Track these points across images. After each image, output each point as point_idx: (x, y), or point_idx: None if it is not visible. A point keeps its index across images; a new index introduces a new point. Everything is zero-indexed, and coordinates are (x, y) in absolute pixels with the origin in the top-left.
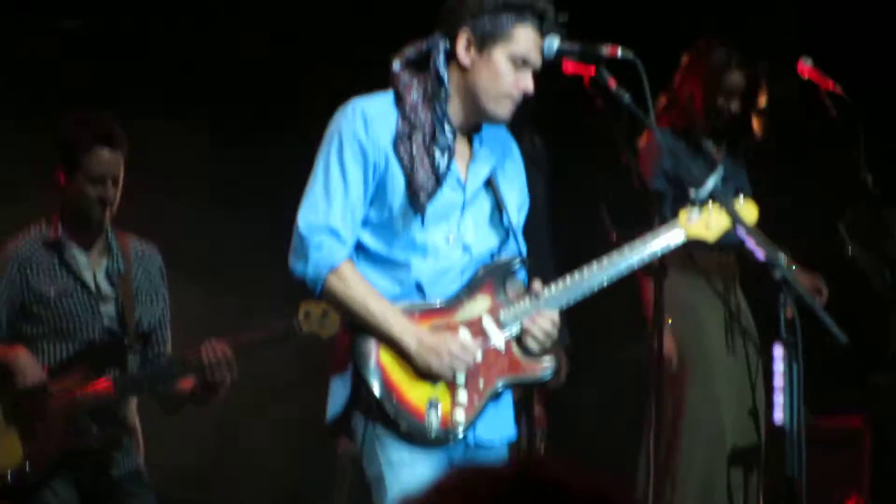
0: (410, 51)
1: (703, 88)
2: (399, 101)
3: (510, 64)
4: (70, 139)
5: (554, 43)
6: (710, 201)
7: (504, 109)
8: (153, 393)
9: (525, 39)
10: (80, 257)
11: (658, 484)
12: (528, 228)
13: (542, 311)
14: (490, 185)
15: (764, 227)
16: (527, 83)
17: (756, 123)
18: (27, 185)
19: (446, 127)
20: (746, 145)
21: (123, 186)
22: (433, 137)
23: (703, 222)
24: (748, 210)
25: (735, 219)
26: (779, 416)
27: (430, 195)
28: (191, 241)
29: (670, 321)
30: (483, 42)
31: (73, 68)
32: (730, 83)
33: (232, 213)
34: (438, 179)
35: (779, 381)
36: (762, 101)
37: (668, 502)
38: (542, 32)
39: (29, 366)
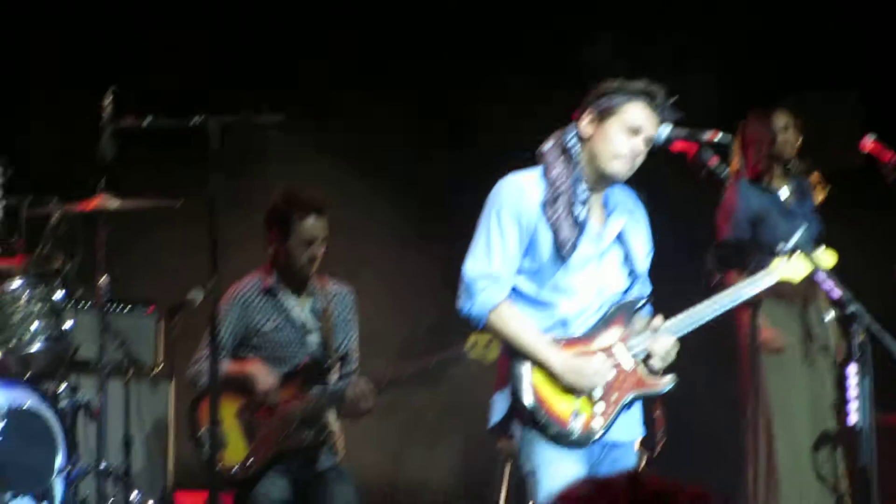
0: (554, 135)
1: (760, 139)
2: (546, 172)
3: (622, 132)
4: (285, 209)
5: (665, 130)
6: (796, 251)
7: (618, 168)
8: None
9: (634, 112)
10: (289, 300)
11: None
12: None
13: (661, 338)
14: (621, 238)
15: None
16: (636, 146)
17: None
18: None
19: (581, 187)
20: (804, 185)
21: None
22: (572, 199)
23: (791, 268)
24: (827, 258)
25: (817, 266)
26: (853, 418)
27: (574, 246)
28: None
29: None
30: (601, 117)
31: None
32: (778, 123)
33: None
34: (580, 230)
35: (853, 392)
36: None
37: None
38: (654, 108)
39: (265, 373)
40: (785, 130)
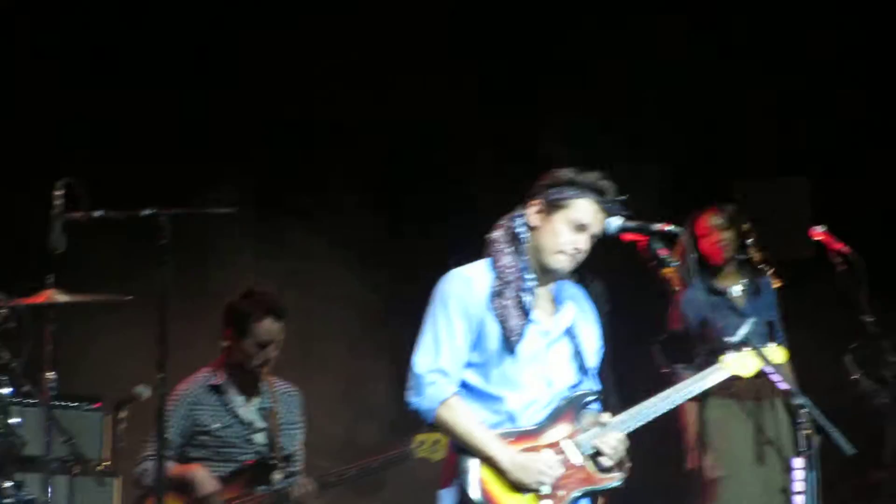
0: (503, 221)
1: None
2: (494, 262)
3: (567, 227)
4: (243, 310)
5: (616, 221)
6: (745, 346)
7: (560, 264)
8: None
9: (583, 209)
10: (237, 399)
11: None
12: None
13: (610, 434)
14: (569, 332)
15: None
16: (579, 244)
17: (756, 256)
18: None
19: (528, 276)
20: (759, 283)
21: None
22: (520, 287)
23: (741, 363)
24: (776, 353)
25: (766, 361)
26: None
27: (520, 335)
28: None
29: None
30: (549, 209)
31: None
32: (704, 225)
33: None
34: (526, 321)
35: (799, 486)
36: (746, 233)
37: None
38: (602, 205)
39: (207, 478)
40: (709, 233)
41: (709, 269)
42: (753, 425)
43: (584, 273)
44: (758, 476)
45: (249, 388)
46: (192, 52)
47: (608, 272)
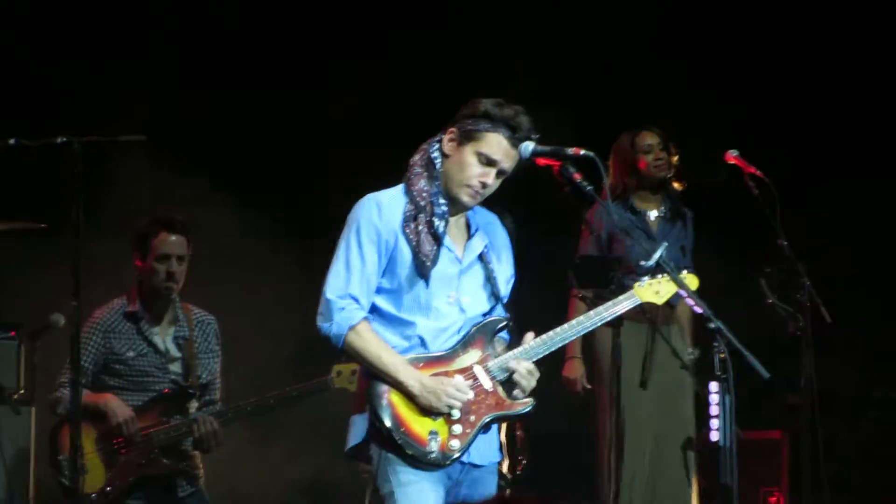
0: (425, 144)
1: (626, 158)
2: (408, 187)
3: (476, 159)
4: (142, 230)
5: (529, 146)
6: (659, 272)
7: (465, 196)
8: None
9: (494, 143)
10: (152, 328)
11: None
12: None
13: (520, 360)
14: (482, 259)
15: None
16: (486, 178)
17: (676, 181)
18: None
19: (441, 200)
20: (677, 208)
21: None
22: (433, 212)
23: (654, 290)
24: (690, 280)
25: (680, 285)
26: (715, 436)
27: (434, 260)
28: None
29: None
30: (462, 138)
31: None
32: (643, 143)
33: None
34: (439, 244)
35: (714, 410)
36: (674, 158)
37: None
38: (515, 140)
39: (119, 405)
40: (649, 150)
41: (629, 190)
42: (644, 348)
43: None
44: (645, 401)
45: (164, 316)
46: None
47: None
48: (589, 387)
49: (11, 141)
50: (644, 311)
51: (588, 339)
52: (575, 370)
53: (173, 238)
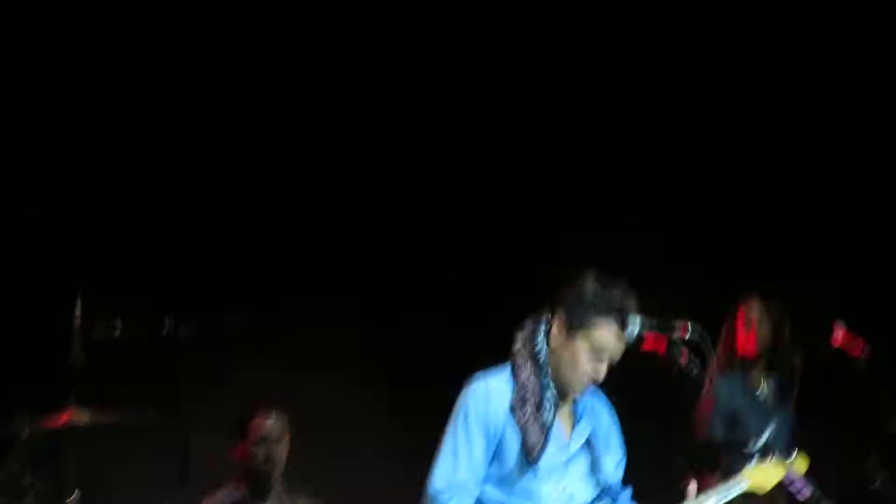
0: (528, 324)
1: (741, 334)
2: (515, 375)
3: (587, 354)
4: (241, 417)
5: (636, 328)
6: (769, 455)
7: (578, 389)
8: None
9: (605, 335)
10: None
11: None
12: None
13: None
14: (589, 444)
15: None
16: (599, 373)
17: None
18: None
19: (549, 392)
20: (790, 384)
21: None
22: (540, 404)
23: (763, 475)
24: (799, 463)
25: (789, 471)
26: None
27: (541, 450)
28: None
29: None
30: (571, 329)
31: None
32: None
33: None
34: (546, 436)
35: None
36: (786, 337)
37: None
38: (624, 326)
39: None
40: (749, 325)
41: (741, 366)
42: None
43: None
44: None
45: (265, 494)
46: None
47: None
48: None
49: (118, 329)
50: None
51: None
52: None
53: (270, 421)
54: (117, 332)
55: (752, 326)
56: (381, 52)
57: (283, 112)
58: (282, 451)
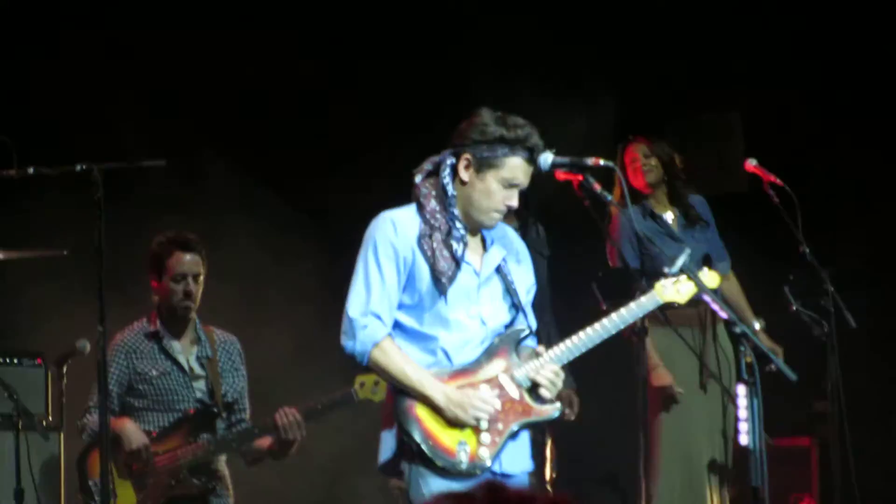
0: (427, 164)
1: (629, 172)
2: (420, 208)
3: (499, 186)
4: (156, 251)
5: (549, 158)
6: (680, 273)
7: (491, 221)
8: (239, 451)
9: (514, 167)
10: (175, 345)
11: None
12: (535, 305)
13: (546, 365)
14: (500, 271)
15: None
16: (512, 201)
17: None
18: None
19: (458, 224)
20: (692, 214)
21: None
22: (449, 233)
23: (675, 290)
24: (710, 278)
25: (701, 287)
26: (744, 439)
27: (451, 278)
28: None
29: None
30: (480, 166)
31: None
32: (628, 159)
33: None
34: (457, 264)
35: (742, 413)
36: (680, 165)
37: None
38: (532, 159)
39: (133, 432)
40: (633, 163)
41: (641, 196)
42: (695, 354)
43: (527, 218)
44: (702, 405)
45: (183, 331)
46: None
47: (548, 215)
48: (681, 391)
49: (30, 170)
50: (699, 317)
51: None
52: (663, 378)
53: (188, 257)
54: (31, 171)
55: (636, 166)
56: None
57: None
58: (200, 287)
